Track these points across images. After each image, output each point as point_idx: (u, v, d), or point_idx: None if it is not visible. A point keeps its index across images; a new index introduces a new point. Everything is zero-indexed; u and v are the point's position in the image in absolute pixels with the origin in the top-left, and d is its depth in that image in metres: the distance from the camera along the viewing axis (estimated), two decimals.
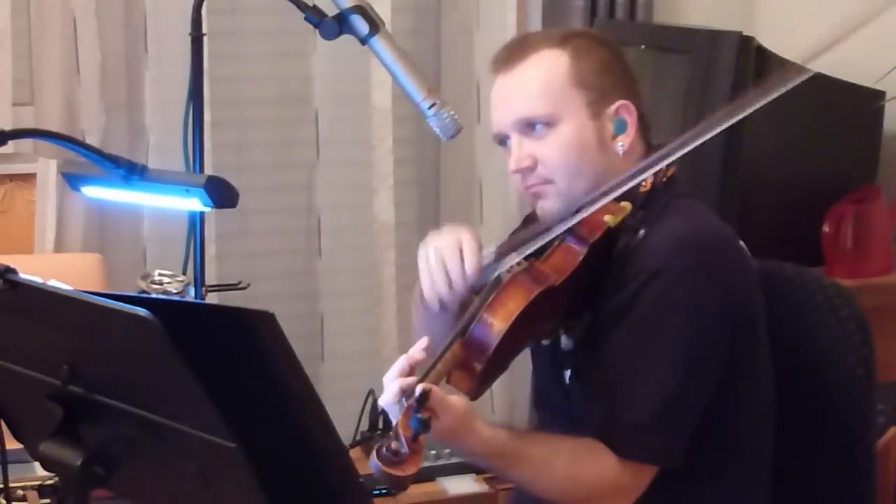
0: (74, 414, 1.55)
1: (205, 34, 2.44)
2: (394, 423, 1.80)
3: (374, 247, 3.77)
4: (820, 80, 3.18)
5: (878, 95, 3.22)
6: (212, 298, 2.71)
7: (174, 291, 2.39)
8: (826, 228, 3.18)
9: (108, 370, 1.53)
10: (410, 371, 1.94)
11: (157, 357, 1.41)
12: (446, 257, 2.06)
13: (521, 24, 3.72)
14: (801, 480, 2.27)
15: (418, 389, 1.78)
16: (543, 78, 2.10)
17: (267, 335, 1.43)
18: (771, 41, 3.18)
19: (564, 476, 2.02)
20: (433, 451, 2.68)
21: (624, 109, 2.13)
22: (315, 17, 2.28)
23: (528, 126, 2.11)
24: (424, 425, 1.75)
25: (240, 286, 2.68)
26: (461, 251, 2.06)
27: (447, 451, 2.70)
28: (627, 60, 2.21)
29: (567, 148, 2.09)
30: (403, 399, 1.85)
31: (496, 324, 1.94)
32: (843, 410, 2.20)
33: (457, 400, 1.90)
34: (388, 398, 1.92)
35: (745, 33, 3.12)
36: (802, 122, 3.20)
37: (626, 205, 2.06)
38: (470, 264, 2.05)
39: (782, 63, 3.14)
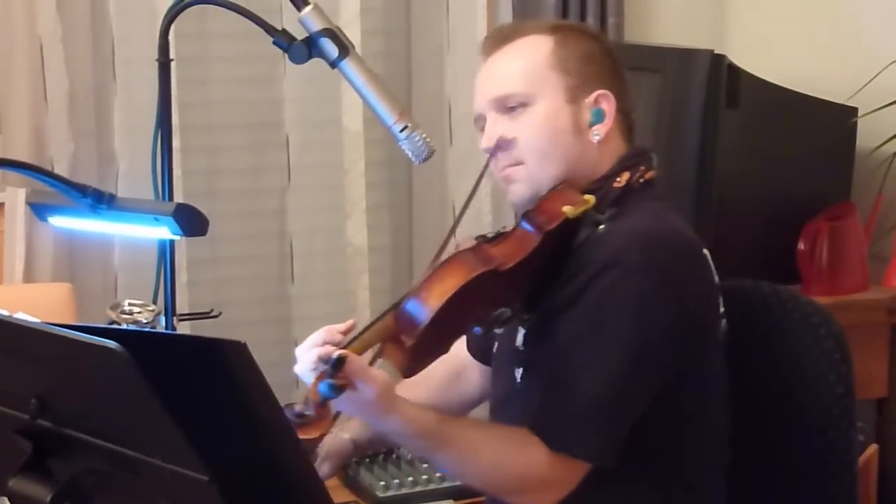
0: (44, 448, 1.52)
1: (172, 60, 2.42)
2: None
3: (347, 271, 3.75)
4: (793, 97, 3.20)
5: (851, 112, 3.22)
6: (183, 327, 2.68)
7: (144, 321, 2.36)
8: (801, 246, 3.17)
9: (78, 403, 1.51)
10: (332, 342, 1.91)
11: (127, 389, 1.39)
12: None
13: None
14: (781, 499, 2.26)
15: (335, 354, 1.75)
16: (524, 59, 2.11)
17: (239, 365, 1.41)
18: (742, 59, 3.18)
19: (489, 463, 1.97)
20: (410, 479, 2.64)
21: (603, 99, 2.11)
22: (284, 42, 2.26)
23: (505, 105, 2.10)
24: (334, 390, 1.71)
25: (212, 314, 2.65)
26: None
27: (424, 477, 2.66)
28: (618, 59, 2.19)
29: (539, 128, 2.08)
30: (321, 365, 1.81)
31: (431, 299, 1.87)
32: (823, 428, 2.20)
33: (378, 372, 1.85)
34: (303, 366, 1.91)
35: (716, 51, 3.12)
36: (776, 139, 3.21)
37: (590, 198, 2.03)
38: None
39: (754, 81, 3.15)
